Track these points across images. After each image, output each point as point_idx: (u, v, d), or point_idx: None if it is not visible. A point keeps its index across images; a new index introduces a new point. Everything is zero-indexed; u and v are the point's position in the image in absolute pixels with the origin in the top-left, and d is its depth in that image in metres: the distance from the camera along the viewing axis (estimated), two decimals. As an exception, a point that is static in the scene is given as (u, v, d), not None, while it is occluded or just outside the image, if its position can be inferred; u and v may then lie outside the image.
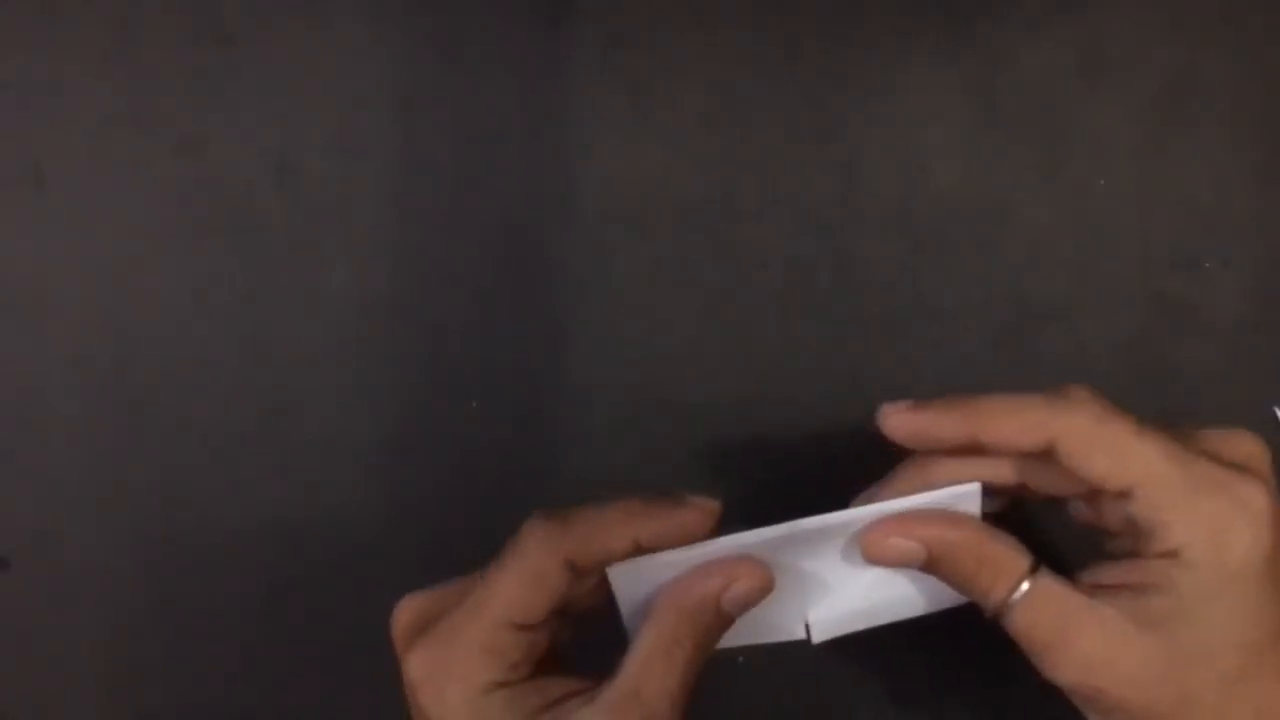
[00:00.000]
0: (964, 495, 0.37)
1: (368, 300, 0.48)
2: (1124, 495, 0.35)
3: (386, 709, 0.48)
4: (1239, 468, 0.35)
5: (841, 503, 0.38)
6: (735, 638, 0.38)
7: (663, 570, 0.36)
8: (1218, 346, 0.46)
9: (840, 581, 0.39)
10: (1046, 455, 0.35)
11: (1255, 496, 0.34)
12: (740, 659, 0.47)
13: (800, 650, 0.46)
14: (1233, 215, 0.46)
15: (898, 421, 0.37)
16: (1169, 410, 0.46)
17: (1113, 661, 0.34)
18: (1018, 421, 0.35)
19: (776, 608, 0.38)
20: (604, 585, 0.37)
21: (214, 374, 0.48)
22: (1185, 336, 0.46)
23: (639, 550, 0.36)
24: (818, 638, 0.39)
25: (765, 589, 0.36)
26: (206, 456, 0.48)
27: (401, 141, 0.48)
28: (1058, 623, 0.35)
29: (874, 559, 0.37)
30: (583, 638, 0.38)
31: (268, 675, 0.48)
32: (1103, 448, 0.34)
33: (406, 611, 0.37)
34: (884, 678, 0.47)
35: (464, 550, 0.48)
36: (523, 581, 0.35)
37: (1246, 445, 0.36)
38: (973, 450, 0.36)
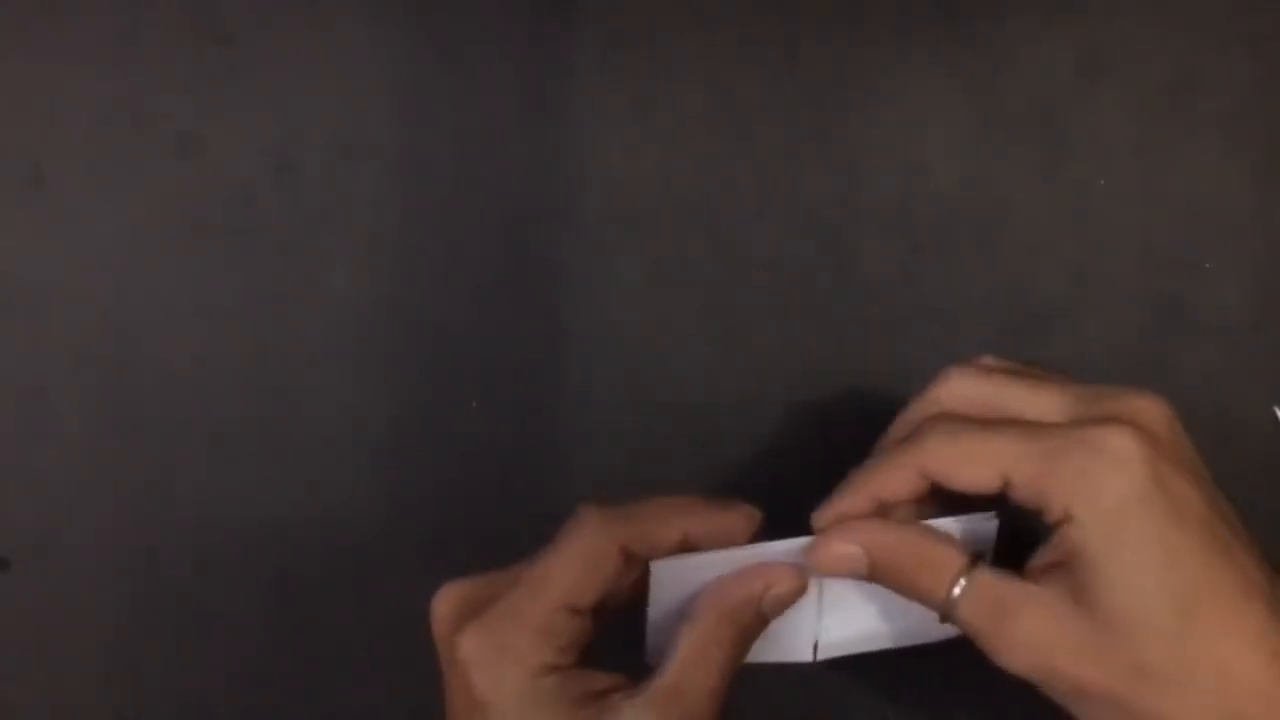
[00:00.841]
0: (981, 521, 0.38)
1: (368, 300, 0.48)
2: (1007, 489, 0.36)
3: (386, 707, 0.48)
4: (1109, 419, 0.35)
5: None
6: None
7: (700, 571, 0.37)
8: (1218, 346, 0.46)
9: (851, 600, 0.39)
10: (929, 484, 0.37)
11: (1115, 441, 0.34)
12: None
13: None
14: (1233, 215, 0.46)
15: (824, 523, 0.38)
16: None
17: (1058, 639, 0.34)
18: (894, 474, 0.37)
19: (788, 624, 0.38)
20: (637, 584, 0.38)
21: (214, 374, 0.48)
22: (1185, 336, 0.46)
23: (685, 544, 0.37)
24: (822, 656, 0.40)
25: (800, 592, 0.37)
26: (207, 456, 0.48)
27: (401, 141, 0.48)
28: (997, 610, 0.35)
29: (821, 567, 0.37)
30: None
31: (268, 674, 0.48)
32: (962, 460, 0.36)
33: (448, 600, 0.37)
34: (884, 678, 0.47)
35: (464, 550, 0.48)
36: (580, 565, 0.36)
37: (1138, 402, 0.36)
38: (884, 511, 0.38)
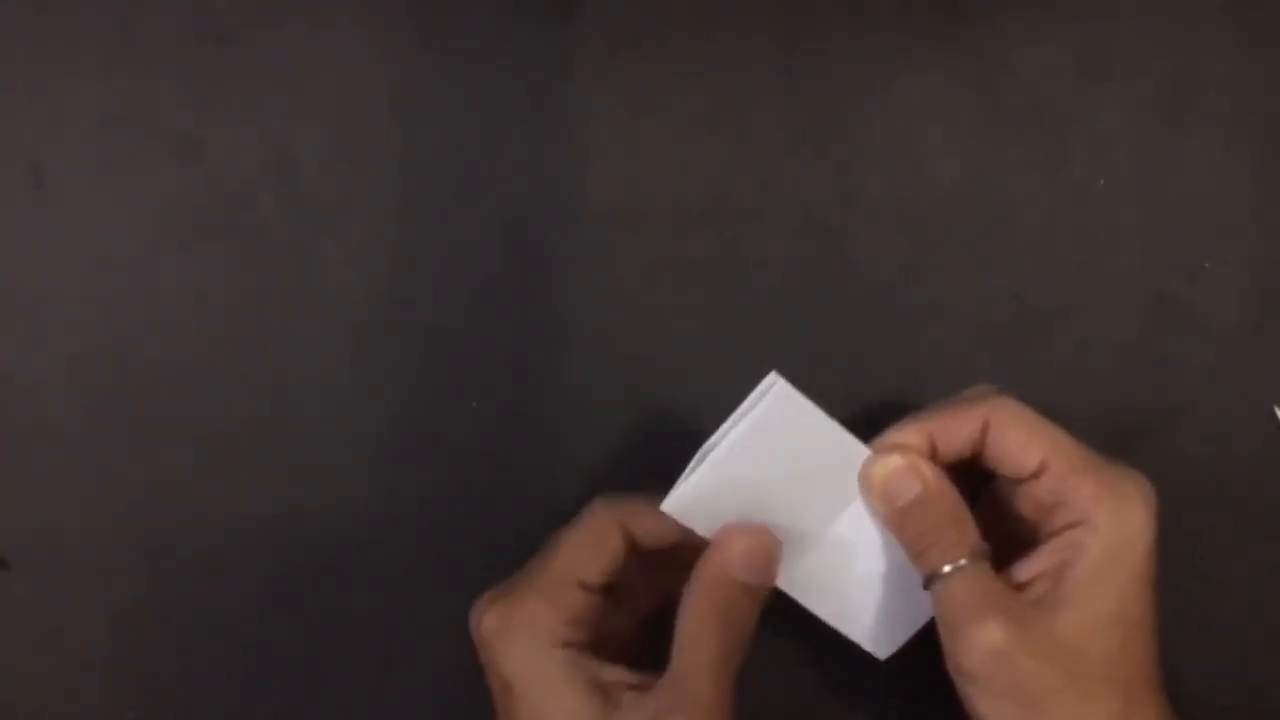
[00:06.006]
0: None
1: (368, 300, 0.48)
2: (1039, 471, 0.39)
3: (386, 707, 0.48)
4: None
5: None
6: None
7: (806, 421, 0.40)
8: (1218, 346, 0.46)
9: (840, 566, 0.41)
10: (981, 440, 0.40)
11: (1149, 489, 0.39)
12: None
13: (800, 651, 0.47)
14: (1233, 215, 0.46)
15: (881, 449, 0.40)
16: (1169, 410, 0.46)
17: (1019, 641, 0.37)
18: (959, 419, 0.40)
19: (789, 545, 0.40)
20: (659, 583, 0.40)
21: (214, 374, 0.48)
22: (1185, 336, 0.46)
23: (685, 535, 0.39)
24: (781, 585, 0.41)
25: (763, 548, 0.39)
26: (206, 456, 0.48)
27: (401, 141, 0.48)
28: (977, 603, 0.37)
29: (873, 476, 0.39)
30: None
31: (268, 674, 0.48)
32: (1022, 426, 0.39)
33: (481, 602, 0.40)
34: (884, 678, 0.47)
35: (464, 550, 0.48)
36: (583, 540, 0.40)
37: (1147, 483, 0.39)
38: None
